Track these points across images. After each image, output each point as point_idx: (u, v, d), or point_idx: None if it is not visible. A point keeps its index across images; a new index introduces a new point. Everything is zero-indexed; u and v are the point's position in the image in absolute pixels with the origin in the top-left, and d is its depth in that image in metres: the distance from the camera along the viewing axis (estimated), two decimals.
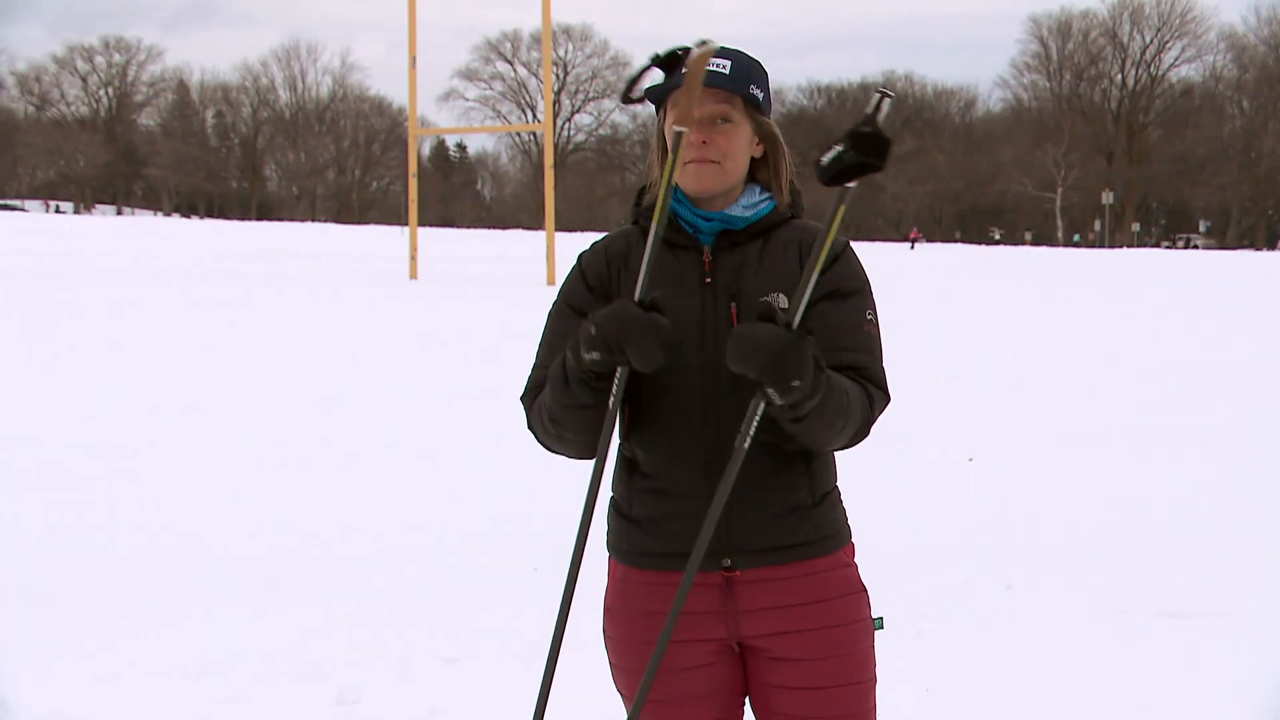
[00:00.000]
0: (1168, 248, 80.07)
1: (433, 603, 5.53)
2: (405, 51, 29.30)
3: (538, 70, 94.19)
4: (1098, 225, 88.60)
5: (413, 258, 28.83)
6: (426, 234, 41.16)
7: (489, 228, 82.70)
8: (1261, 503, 7.57)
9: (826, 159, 2.12)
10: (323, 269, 31.07)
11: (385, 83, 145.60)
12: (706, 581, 2.39)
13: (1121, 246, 79.66)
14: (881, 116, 2.10)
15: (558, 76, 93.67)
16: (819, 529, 2.40)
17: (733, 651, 2.46)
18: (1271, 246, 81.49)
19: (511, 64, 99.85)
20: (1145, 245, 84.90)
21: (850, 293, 2.39)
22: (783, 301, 2.36)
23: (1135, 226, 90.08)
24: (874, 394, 2.36)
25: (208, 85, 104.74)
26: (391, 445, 9.13)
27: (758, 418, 2.22)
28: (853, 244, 2.50)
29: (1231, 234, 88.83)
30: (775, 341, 2.13)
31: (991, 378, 13.02)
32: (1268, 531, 6.88)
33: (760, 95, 2.41)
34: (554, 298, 2.51)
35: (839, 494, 2.49)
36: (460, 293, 24.22)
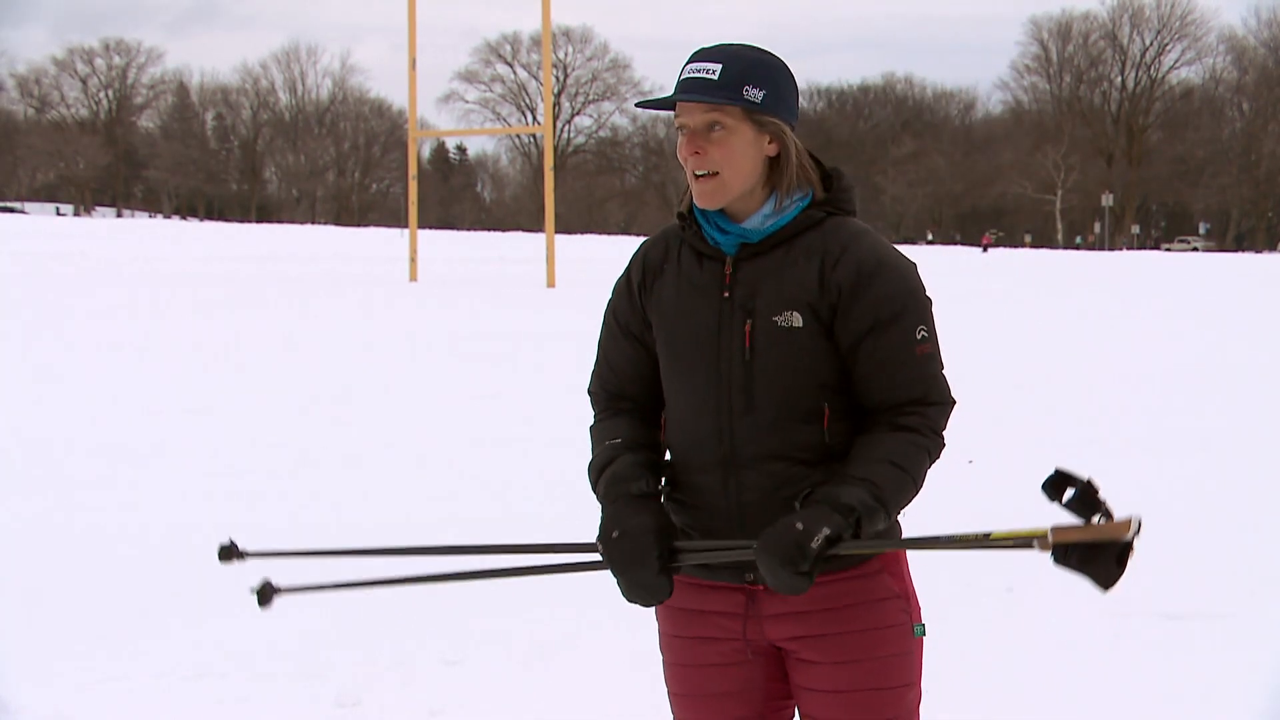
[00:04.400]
0: (1166, 249, 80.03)
1: (433, 604, 5.53)
2: (406, 54, 29.34)
3: (538, 72, 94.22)
4: (1097, 228, 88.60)
5: (413, 260, 28.85)
6: (426, 236, 41.19)
7: (489, 230, 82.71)
8: (1262, 504, 7.58)
9: (1069, 539, 2.10)
10: (323, 271, 31.08)
11: (385, 85, 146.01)
12: (732, 587, 2.41)
13: (1121, 249, 79.66)
14: (1133, 549, 2.08)
15: (557, 79, 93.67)
16: None
17: (765, 655, 2.45)
18: (1272, 248, 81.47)
19: (511, 66, 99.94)
20: (1145, 247, 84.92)
21: (890, 319, 2.30)
22: (796, 320, 2.30)
23: (1135, 229, 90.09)
24: (933, 418, 2.34)
25: (207, 87, 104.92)
26: (392, 446, 9.14)
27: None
28: None
29: (1231, 236, 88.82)
30: (785, 578, 2.19)
31: (991, 380, 13.01)
32: (1268, 533, 6.89)
33: (760, 94, 2.29)
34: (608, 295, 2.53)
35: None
36: (460, 295, 24.23)
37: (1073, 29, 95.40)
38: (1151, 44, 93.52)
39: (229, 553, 2.52)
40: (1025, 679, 4.68)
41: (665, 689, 2.57)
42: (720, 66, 2.29)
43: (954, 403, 2.38)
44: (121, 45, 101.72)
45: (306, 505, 7.39)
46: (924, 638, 2.47)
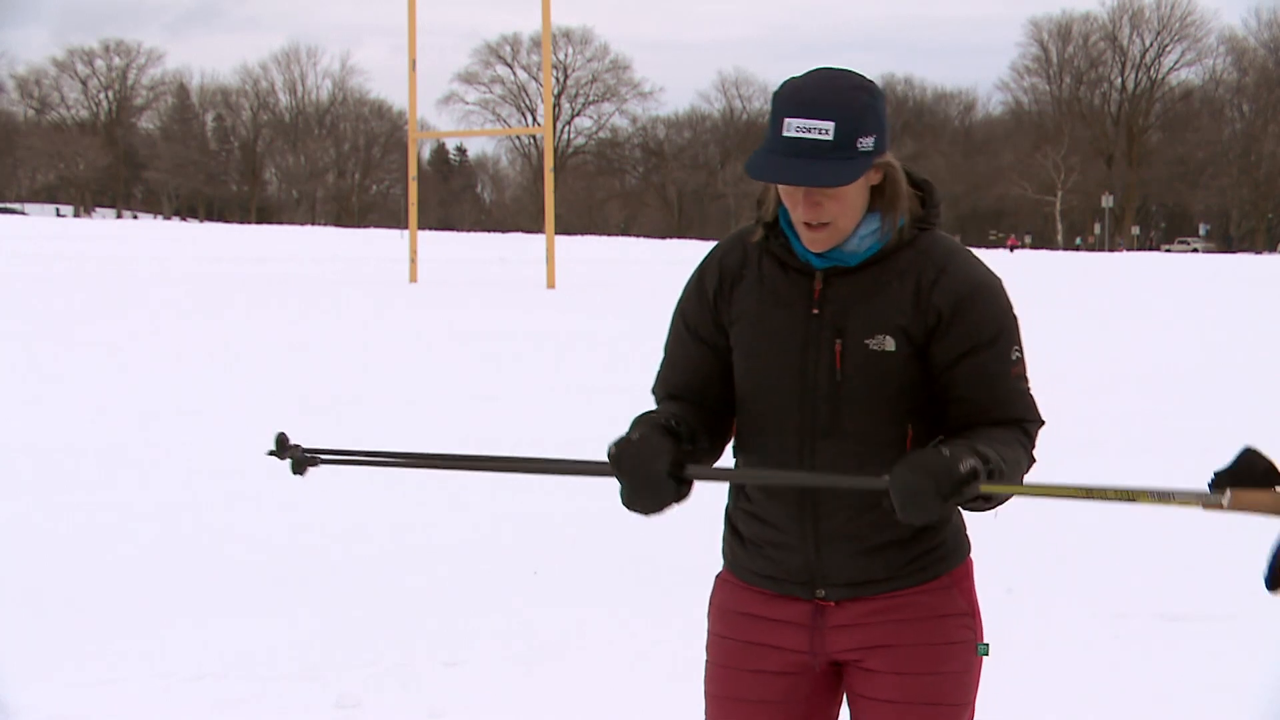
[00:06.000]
0: (1166, 250, 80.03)
1: (432, 606, 5.53)
2: (406, 55, 29.35)
3: (538, 73, 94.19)
4: (1097, 229, 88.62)
5: (413, 261, 28.85)
6: (426, 237, 41.19)
7: (489, 231, 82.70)
8: None
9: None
10: (323, 272, 31.09)
11: (385, 86, 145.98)
12: (799, 601, 2.38)
13: (1121, 250, 79.70)
14: None
15: (557, 80, 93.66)
16: (915, 560, 2.35)
17: (820, 674, 2.41)
18: (1272, 249, 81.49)
19: (511, 67, 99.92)
20: (1145, 249, 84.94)
21: (989, 341, 2.28)
22: (888, 344, 2.26)
23: (1135, 230, 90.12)
24: (1031, 433, 2.33)
25: (207, 89, 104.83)
26: (391, 448, 9.12)
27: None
28: None
29: (1228, 237, 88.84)
30: (926, 500, 2.08)
31: None
32: (1268, 535, 6.88)
33: (872, 141, 2.19)
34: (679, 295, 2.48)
35: (951, 517, 2.40)
36: (461, 296, 24.24)
37: (1073, 30, 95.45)
38: (1151, 45, 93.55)
39: (283, 446, 2.50)
40: (1025, 680, 4.67)
41: (704, 689, 2.50)
42: (833, 125, 2.17)
43: (1044, 422, 2.36)
44: (122, 46, 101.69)
45: (306, 507, 7.38)
46: (985, 657, 2.43)
